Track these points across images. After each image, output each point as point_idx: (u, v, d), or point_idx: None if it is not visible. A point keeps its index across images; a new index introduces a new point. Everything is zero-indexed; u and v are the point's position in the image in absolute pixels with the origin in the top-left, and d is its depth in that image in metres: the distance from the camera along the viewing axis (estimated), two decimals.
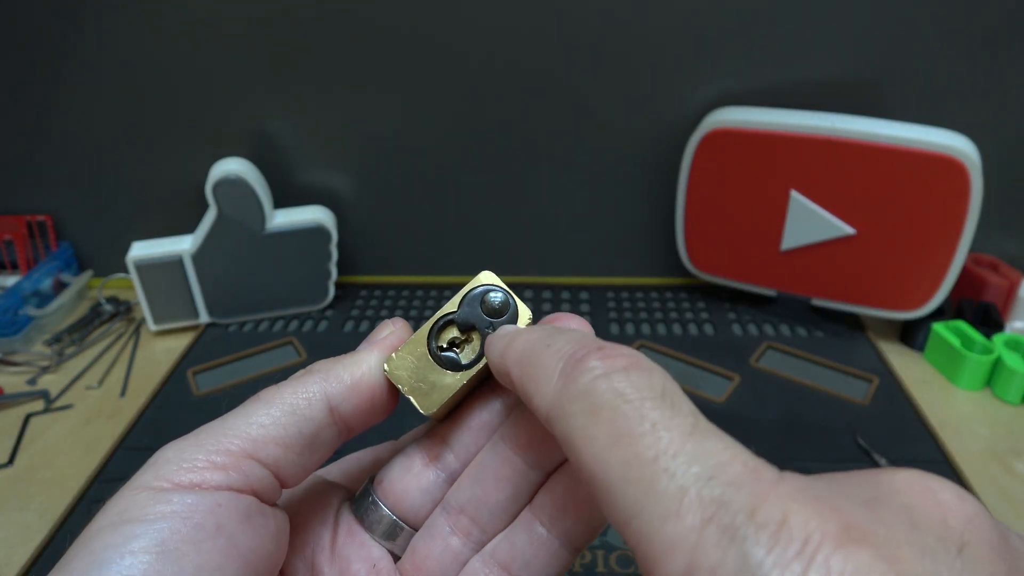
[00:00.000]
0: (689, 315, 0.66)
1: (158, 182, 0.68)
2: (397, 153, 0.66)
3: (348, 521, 0.24)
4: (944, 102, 0.59)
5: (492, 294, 0.24)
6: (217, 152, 0.63)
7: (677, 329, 0.64)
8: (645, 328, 0.64)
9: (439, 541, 0.23)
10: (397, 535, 0.23)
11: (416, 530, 0.24)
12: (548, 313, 0.71)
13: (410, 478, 0.24)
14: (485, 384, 0.24)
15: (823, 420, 0.53)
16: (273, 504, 0.21)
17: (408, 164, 0.67)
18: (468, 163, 0.67)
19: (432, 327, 0.23)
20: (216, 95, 0.64)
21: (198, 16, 0.60)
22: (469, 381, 0.23)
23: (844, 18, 0.57)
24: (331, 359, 0.23)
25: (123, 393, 0.58)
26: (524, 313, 0.23)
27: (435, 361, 0.23)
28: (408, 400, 0.23)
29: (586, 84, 0.62)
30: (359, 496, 0.24)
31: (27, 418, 0.55)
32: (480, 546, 0.23)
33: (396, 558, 0.24)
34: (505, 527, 0.23)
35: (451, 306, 0.24)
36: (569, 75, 0.62)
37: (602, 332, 0.63)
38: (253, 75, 0.63)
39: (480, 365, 0.23)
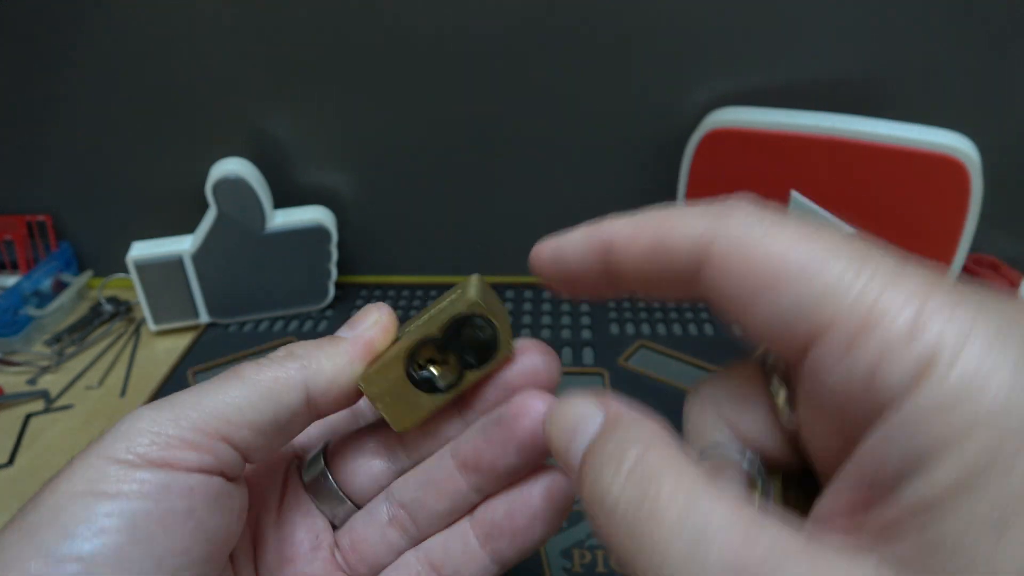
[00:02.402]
0: (689, 315, 0.66)
1: (158, 182, 0.68)
2: (397, 153, 0.66)
3: (296, 485, 0.24)
4: (944, 102, 0.59)
5: (478, 326, 0.22)
6: (217, 152, 0.63)
7: (677, 329, 0.64)
8: (645, 328, 0.64)
9: (377, 529, 0.23)
10: (339, 508, 0.24)
11: (358, 507, 0.24)
12: (548, 316, 0.70)
13: (362, 460, 0.24)
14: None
15: None
16: (236, 479, 0.21)
17: (408, 164, 0.67)
18: (468, 163, 0.67)
19: (411, 349, 0.23)
20: (216, 95, 0.64)
21: (198, 16, 0.60)
22: (444, 402, 0.23)
23: (844, 18, 0.57)
24: (312, 343, 0.23)
25: (123, 393, 0.58)
26: (506, 347, 0.23)
27: (412, 383, 0.22)
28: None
29: (586, 84, 0.62)
30: (311, 462, 0.24)
31: (27, 418, 0.55)
32: (415, 542, 0.23)
33: (334, 528, 0.24)
34: (442, 530, 0.23)
35: (433, 327, 0.22)
36: (569, 75, 0.61)
37: (602, 332, 0.63)
38: (253, 75, 0.63)
39: (458, 389, 0.23)
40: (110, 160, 0.67)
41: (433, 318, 0.23)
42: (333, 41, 0.61)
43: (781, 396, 0.18)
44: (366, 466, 0.24)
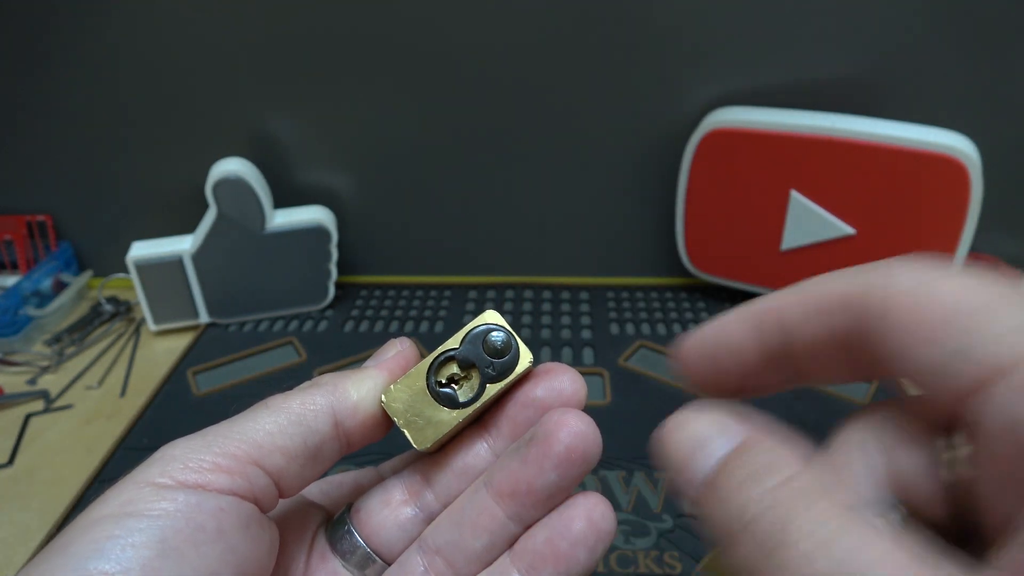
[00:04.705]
0: (689, 315, 0.66)
1: (158, 182, 0.68)
2: (397, 153, 0.66)
3: (322, 546, 0.24)
4: (944, 102, 0.59)
5: (494, 334, 0.23)
6: (217, 152, 0.63)
7: (677, 329, 0.64)
8: (645, 328, 0.64)
9: None
10: (369, 567, 0.23)
11: (388, 564, 0.23)
12: (548, 316, 0.70)
13: (388, 512, 0.24)
14: (476, 422, 0.24)
15: (823, 420, 0.53)
16: (269, 510, 0.21)
17: (408, 164, 0.67)
18: (468, 163, 0.67)
19: (432, 362, 0.23)
20: (216, 95, 0.64)
21: (198, 16, 0.60)
22: (465, 419, 0.23)
23: (844, 18, 0.57)
24: (338, 374, 0.23)
25: (123, 393, 0.58)
26: (525, 356, 0.23)
27: (433, 397, 0.23)
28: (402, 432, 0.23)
29: (586, 84, 0.62)
30: (335, 523, 0.24)
31: (27, 418, 0.55)
32: None
33: None
34: (480, 571, 0.23)
35: (453, 342, 0.24)
36: (569, 76, 0.61)
37: (602, 332, 0.63)
38: (254, 75, 0.63)
39: (477, 404, 0.23)
40: (110, 160, 0.67)
41: (453, 337, 0.24)
42: (334, 42, 0.61)
43: (962, 450, 0.17)
44: (393, 517, 0.24)
